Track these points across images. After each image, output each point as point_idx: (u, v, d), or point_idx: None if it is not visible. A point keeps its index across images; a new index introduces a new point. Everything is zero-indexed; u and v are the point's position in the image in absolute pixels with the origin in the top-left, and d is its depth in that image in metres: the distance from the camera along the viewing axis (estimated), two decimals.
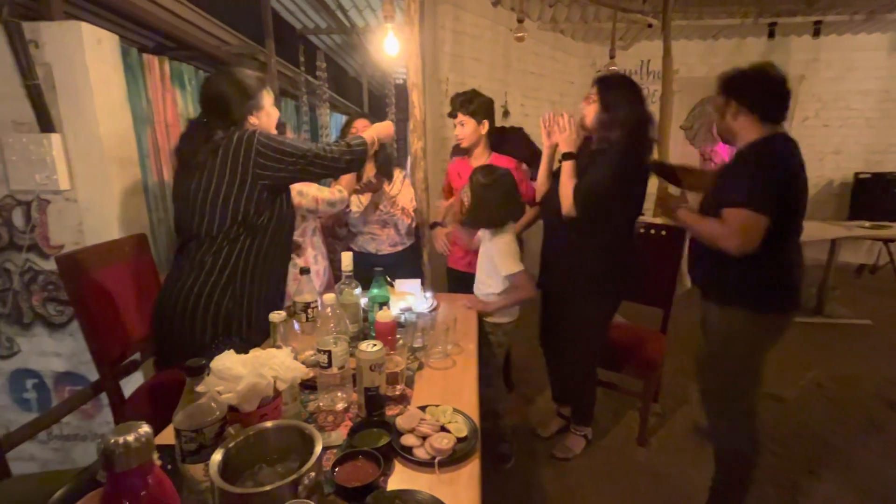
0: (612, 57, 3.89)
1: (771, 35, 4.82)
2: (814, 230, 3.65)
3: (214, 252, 1.32)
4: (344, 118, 4.26)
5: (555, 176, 1.86)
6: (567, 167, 1.73)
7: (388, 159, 2.18)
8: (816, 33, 4.67)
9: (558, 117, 1.77)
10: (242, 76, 1.38)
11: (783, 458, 2.02)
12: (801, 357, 2.95)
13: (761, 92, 1.41)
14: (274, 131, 1.48)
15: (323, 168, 1.38)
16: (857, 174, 5.13)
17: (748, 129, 1.41)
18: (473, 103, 2.00)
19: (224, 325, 1.34)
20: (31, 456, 1.97)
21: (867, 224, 3.75)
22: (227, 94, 1.33)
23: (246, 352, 0.91)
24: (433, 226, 2.14)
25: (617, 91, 1.69)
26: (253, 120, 1.39)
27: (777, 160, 1.35)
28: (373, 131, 1.63)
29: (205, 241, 1.33)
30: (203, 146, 1.29)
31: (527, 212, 2.17)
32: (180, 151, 1.37)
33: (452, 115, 2.06)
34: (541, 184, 1.92)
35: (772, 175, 1.32)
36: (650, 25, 4.41)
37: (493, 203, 1.63)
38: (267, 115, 1.41)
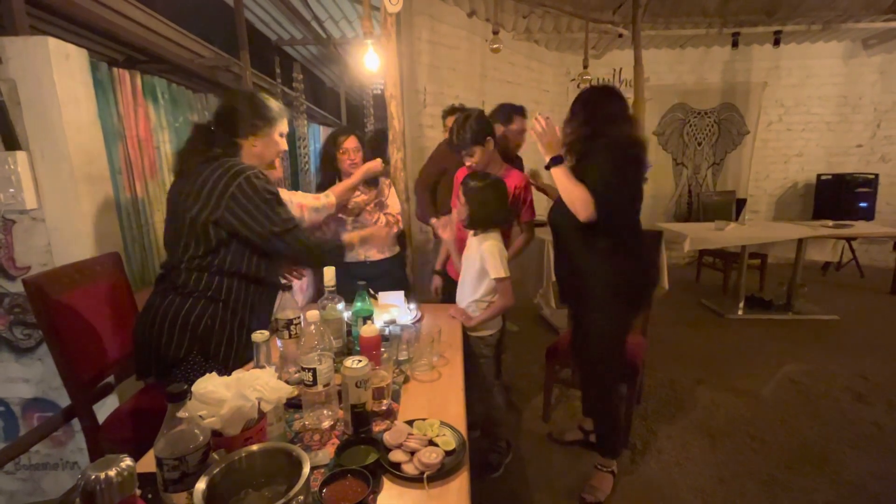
0: (585, 66, 3.99)
1: (734, 44, 5.02)
2: (782, 230, 3.80)
3: (185, 279, 1.28)
4: (322, 129, 4.25)
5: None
6: (561, 172, 1.61)
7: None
8: (777, 42, 4.88)
9: (537, 121, 1.65)
10: (262, 99, 1.38)
11: (760, 454, 2.07)
12: (774, 353, 3.04)
13: None
14: (275, 162, 1.46)
15: (286, 249, 1.31)
16: (819, 175, 5.36)
17: None
18: (467, 135, 1.87)
19: (201, 344, 1.32)
20: None
21: (830, 223, 3.90)
22: (239, 110, 1.33)
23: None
24: (435, 272, 2.14)
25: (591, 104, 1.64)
26: (253, 142, 1.37)
27: None
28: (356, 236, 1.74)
29: (181, 264, 1.29)
30: (198, 156, 1.27)
31: (520, 235, 2.12)
32: (179, 155, 1.34)
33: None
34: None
35: None
36: (621, 35, 4.55)
37: (489, 205, 1.65)
38: (269, 144, 1.39)
